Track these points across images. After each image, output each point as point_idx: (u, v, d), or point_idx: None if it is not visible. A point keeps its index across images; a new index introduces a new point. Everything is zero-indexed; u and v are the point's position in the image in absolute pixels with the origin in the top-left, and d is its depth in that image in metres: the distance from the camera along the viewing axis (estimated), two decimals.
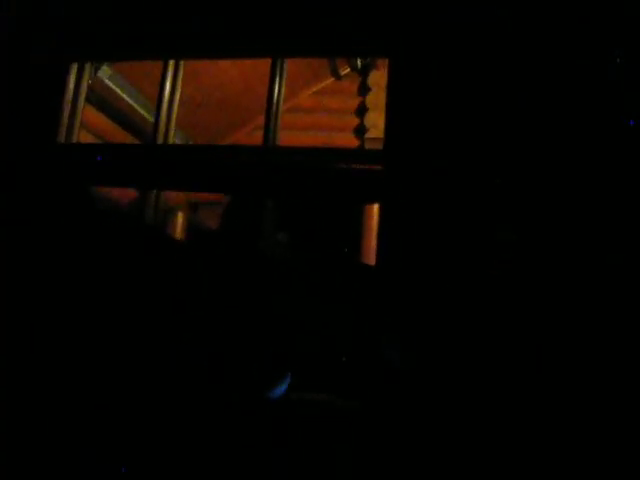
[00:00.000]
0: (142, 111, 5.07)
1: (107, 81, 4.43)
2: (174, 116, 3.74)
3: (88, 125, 4.02)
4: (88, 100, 3.45)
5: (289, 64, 3.37)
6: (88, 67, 3.13)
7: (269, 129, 3.34)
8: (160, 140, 3.64)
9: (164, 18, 2.76)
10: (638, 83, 2.10)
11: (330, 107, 6.14)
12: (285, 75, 3.34)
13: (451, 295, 2.15)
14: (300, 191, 2.81)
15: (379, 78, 5.71)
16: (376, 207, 5.45)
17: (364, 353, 2.21)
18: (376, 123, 5.66)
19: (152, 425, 2.05)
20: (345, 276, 2.76)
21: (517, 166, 2.25)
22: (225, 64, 5.03)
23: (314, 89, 6.23)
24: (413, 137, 2.49)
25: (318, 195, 2.85)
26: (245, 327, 2.30)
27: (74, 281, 2.22)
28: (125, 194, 4.98)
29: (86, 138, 3.88)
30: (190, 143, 5.78)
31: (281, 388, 2.23)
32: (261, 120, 3.46)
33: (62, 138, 3.00)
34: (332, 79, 6.22)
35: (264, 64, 3.40)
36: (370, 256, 5.23)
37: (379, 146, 2.76)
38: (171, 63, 3.63)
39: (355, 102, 6.03)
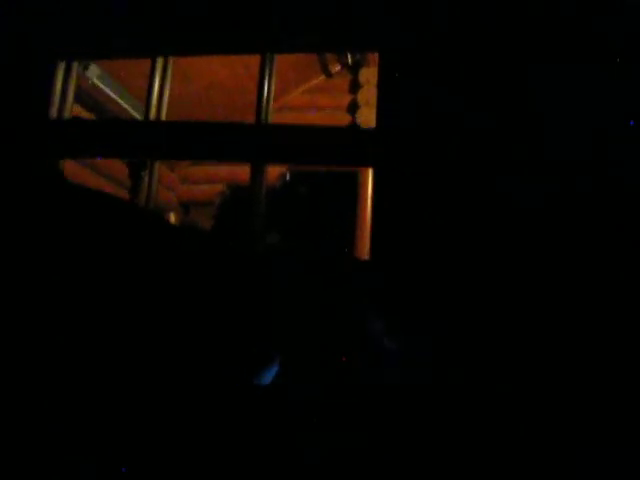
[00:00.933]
0: (131, 111, 5.04)
1: (96, 80, 4.39)
2: (163, 115, 3.71)
3: None
4: (76, 100, 3.41)
5: (279, 62, 3.35)
6: (75, 66, 3.09)
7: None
8: None
9: (151, 14, 2.73)
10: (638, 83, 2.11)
11: (321, 105, 6.12)
12: (275, 73, 3.31)
13: (446, 284, 2.14)
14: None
15: (370, 75, 5.70)
16: (369, 203, 5.44)
17: (361, 342, 2.20)
18: (368, 120, 5.65)
19: (142, 419, 2.02)
20: (339, 272, 2.74)
21: (512, 161, 2.24)
22: (215, 64, 5.00)
23: (305, 87, 6.22)
24: (405, 133, 2.47)
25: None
26: (233, 325, 2.28)
27: (57, 272, 2.19)
28: (115, 194, 4.95)
29: None
30: None
31: (269, 375, 2.20)
32: (252, 119, 3.43)
33: None
34: (323, 77, 6.21)
35: (254, 63, 3.38)
36: (363, 251, 5.22)
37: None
38: (160, 62, 3.59)
39: (346, 99, 6.01)
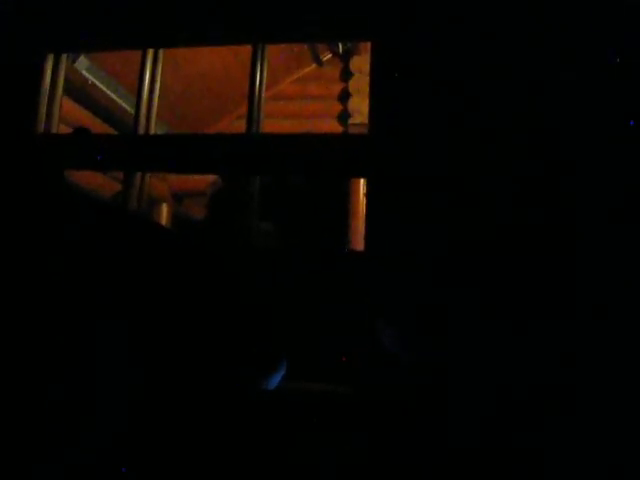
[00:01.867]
0: (122, 102, 5.00)
1: (85, 72, 4.36)
2: (155, 107, 3.69)
3: (66, 118, 3.94)
4: (66, 92, 3.38)
5: (270, 51, 3.33)
6: (64, 58, 3.06)
7: (252, 118, 3.30)
8: (141, 131, 3.59)
9: (141, 5, 2.70)
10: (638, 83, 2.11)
11: (313, 94, 6.10)
12: (266, 62, 3.29)
13: (440, 277, 2.14)
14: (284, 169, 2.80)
15: (361, 63, 5.68)
16: (362, 192, 5.44)
17: (359, 340, 2.20)
18: (359, 108, 5.64)
19: (147, 421, 2.03)
20: (334, 263, 2.75)
21: (505, 152, 2.24)
22: (206, 53, 4.97)
23: (296, 76, 6.20)
24: (397, 122, 2.46)
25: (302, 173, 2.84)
26: (236, 320, 2.28)
27: (52, 273, 2.18)
28: (108, 186, 4.93)
29: (65, 131, 3.82)
30: (172, 133, 5.72)
31: (276, 379, 2.21)
32: (244, 109, 3.41)
33: (40, 130, 2.94)
34: (314, 65, 6.19)
35: (245, 52, 3.36)
36: (358, 241, 5.22)
37: (363, 131, 2.74)
38: (150, 52, 3.57)
39: (338, 88, 6.00)
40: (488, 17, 2.30)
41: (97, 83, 4.61)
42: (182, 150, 2.75)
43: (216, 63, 5.13)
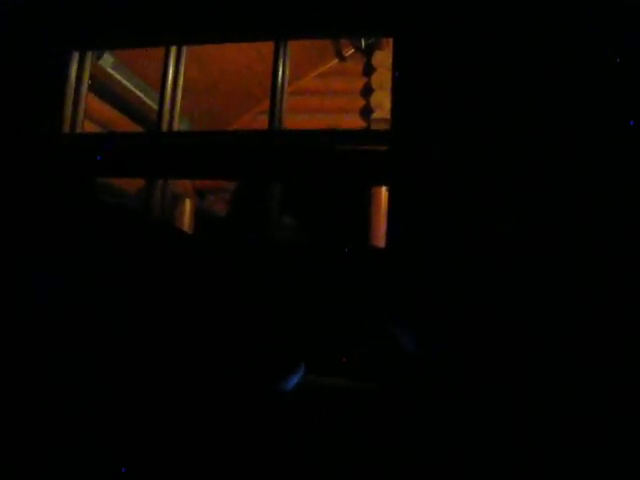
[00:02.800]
0: (146, 98, 5.05)
1: (110, 69, 4.40)
2: (178, 102, 3.71)
3: (92, 114, 4.00)
4: (91, 89, 3.43)
5: (292, 47, 3.33)
6: (89, 56, 3.10)
7: (274, 113, 3.31)
8: (164, 127, 3.61)
9: (163, 3, 2.73)
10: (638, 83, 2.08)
11: (335, 89, 6.08)
12: (289, 58, 3.30)
13: (460, 276, 2.13)
14: (306, 174, 2.80)
15: (384, 58, 5.64)
16: (384, 188, 5.42)
17: (378, 336, 2.20)
18: (382, 103, 5.61)
19: (166, 421, 2.05)
20: (356, 259, 2.75)
21: (524, 147, 2.22)
22: (229, 49, 4.98)
23: (318, 71, 6.18)
24: (420, 117, 2.46)
25: (324, 178, 2.84)
26: (254, 323, 2.29)
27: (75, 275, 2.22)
28: (132, 183, 4.98)
29: (90, 128, 3.87)
30: (195, 129, 5.76)
31: (294, 380, 2.22)
32: (266, 104, 3.42)
33: (66, 128, 2.98)
34: (336, 60, 6.16)
35: (268, 48, 3.37)
36: (379, 237, 5.22)
37: (385, 126, 2.73)
38: (173, 49, 3.59)
39: (360, 83, 5.96)
40: (509, 14, 2.28)
41: (122, 80, 4.65)
42: (203, 155, 2.78)
43: (239, 59, 5.15)
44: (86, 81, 3.09)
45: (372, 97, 5.84)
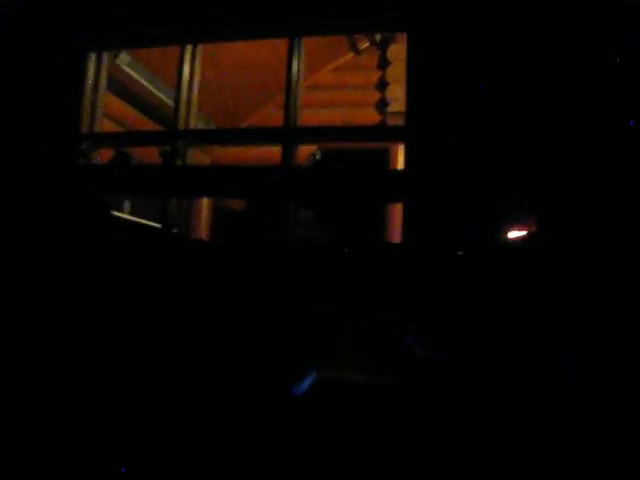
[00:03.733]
0: (162, 96, 5.08)
1: (126, 68, 4.43)
2: (194, 99, 3.74)
3: (110, 113, 4.04)
4: (108, 88, 3.46)
5: (307, 41, 3.34)
6: (107, 55, 3.14)
7: (289, 108, 3.33)
8: (181, 123, 3.64)
9: (178, 2, 2.75)
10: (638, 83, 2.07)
11: (350, 82, 6.07)
12: (303, 53, 3.31)
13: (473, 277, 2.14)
14: (321, 198, 2.84)
15: (399, 51, 5.61)
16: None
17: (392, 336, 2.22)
18: (397, 97, 5.58)
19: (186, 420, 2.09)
20: (374, 253, 2.76)
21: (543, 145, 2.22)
22: (244, 45, 5.00)
23: (333, 65, 6.17)
24: (435, 111, 2.46)
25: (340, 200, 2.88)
26: (269, 330, 2.33)
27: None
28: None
29: (108, 127, 3.90)
30: (211, 125, 5.79)
31: (306, 384, 2.25)
32: (281, 99, 3.44)
33: (85, 128, 3.03)
34: (351, 54, 6.15)
35: (283, 44, 3.38)
36: (395, 234, 5.21)
37: (401, 120, 2.73)
38: (189, 47, 3.62)
39: (375, 76, 5.94)
40: (525, 10, 2.27)
41: (138, 78, 4.69)
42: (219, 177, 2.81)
43: (254, 54, 5.16)
44: (103, 81, 3.14)
45: (387, 90, 5.82)
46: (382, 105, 5.86)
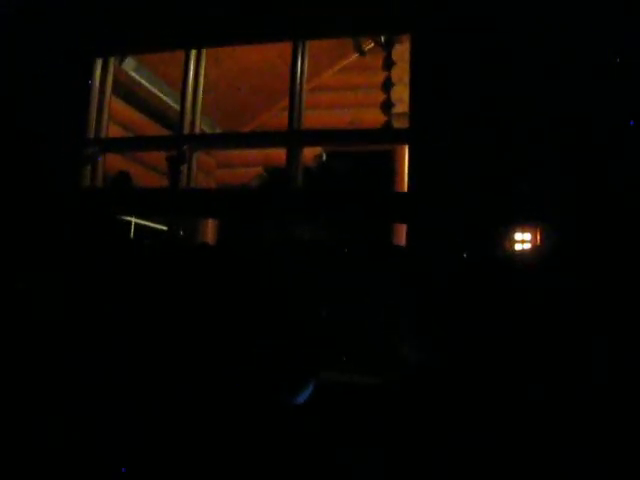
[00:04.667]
0: (168, 100, 5.10)
1: (132, 73, 4.45)
2: (199, 103, 3.76)
3: (116, 117, 4.06)
4: (114, 93, 3.49)
5: (312, 43, 3.34)
6: (112, 61, 3.16)
7: (293, 110, 3.34)
8: (187, 127, 3.66)
9: (182, 7, 2.77)
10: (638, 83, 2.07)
11: (355, 84, 6.06)
12: (307, 55, 3.32)
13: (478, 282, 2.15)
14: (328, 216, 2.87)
15: (403, 52, 5.58)
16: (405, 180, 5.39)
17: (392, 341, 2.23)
18: (402, 97, 5.56)
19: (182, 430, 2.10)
20: (380, 257, 2.77)
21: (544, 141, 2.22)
22: (249, 49, 5.01)
23: (338, 66, 6.17)
24: (438, 112, 2.47)
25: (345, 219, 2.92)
26: (268, 342, 2.34)
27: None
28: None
29: (115, 132, 3.92)
30: (217, 129, 5.81)
31: (305, 394, 2.26)
32: (286, 101, 3.45)
33: (91, 133, 3.05)
34: (356, 55, 6.14)
35: (287, 47, 3.38)
36: (401, 236, 5.20)
37: (406, 121, 2.74)
38: (193, 52, 3.64)
39: (380, 77, 5.93)
40: (526, 12, 2.28)
41: (144, 83, 4.71)
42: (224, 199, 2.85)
43: (259, 58, 5.16)
44: (109, 86, 3.16)
45: (392, 91, 5.80)
46: (387, 106, 5.86)
